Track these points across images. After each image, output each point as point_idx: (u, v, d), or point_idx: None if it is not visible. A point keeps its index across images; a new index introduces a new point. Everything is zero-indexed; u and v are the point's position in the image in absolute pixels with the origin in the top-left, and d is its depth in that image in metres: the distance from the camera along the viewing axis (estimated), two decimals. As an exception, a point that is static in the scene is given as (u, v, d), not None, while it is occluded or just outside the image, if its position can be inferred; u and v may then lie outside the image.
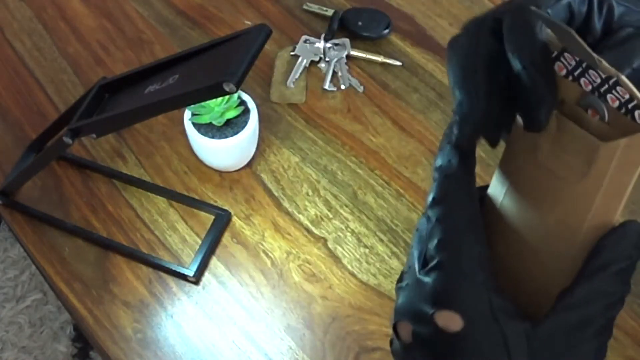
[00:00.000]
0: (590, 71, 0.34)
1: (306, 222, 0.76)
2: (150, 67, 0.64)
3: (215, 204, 0.76)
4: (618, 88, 0.34)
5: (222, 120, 0.74)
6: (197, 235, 0.75)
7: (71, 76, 0.86)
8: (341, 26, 0.91)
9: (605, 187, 0.36)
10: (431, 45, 0.91)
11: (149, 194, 0.77)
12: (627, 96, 0.33)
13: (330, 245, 0.74)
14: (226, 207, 0.76)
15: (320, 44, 0.89)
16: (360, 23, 0.91)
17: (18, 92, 0.85)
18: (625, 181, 0.36)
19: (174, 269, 0.72)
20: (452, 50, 0.36)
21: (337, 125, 0.83)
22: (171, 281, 0.72)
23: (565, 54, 0.34)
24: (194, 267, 0.71)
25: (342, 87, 0.87)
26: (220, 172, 0.79)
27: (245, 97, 0.76)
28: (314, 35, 0.90)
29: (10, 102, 0.84)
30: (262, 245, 0.74)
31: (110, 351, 0.68)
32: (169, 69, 0.62)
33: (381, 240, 0.75)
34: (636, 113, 0.34)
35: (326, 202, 0.77)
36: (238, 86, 0.52)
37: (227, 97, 0.72)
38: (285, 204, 0.77)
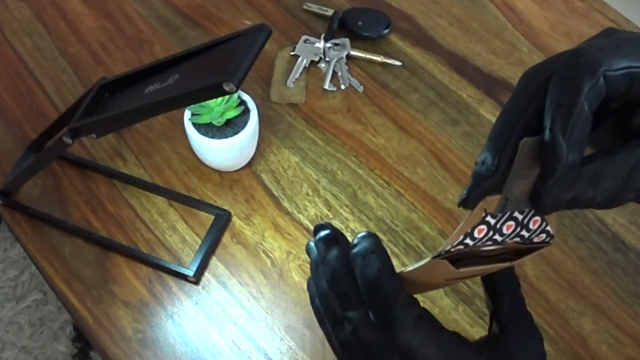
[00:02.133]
0: (496, 234, 0.40)
1: (306, 222, 0.76)
2: (150, 67, 0.64)
3: (215, 204, 0.76)
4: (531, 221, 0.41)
5: (222, 120, 0.74)
6: (197, 235, 0.75)
7: (71, 76, 0.86)
8: (341, 26, 0.91)
9: None
10: (431, 45, 0.91)
11: (149, 194, 0.77)
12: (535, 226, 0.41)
13: (330, 245, 0.74)
14: (226, 207, 0.76)
15: (320, 44, 0.89)
16: (360, 23, 0.91)
17: (18, 92, 0.85)
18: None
19: (174, 269, 0.72)
20: (506, 104, 0.37)
21: (337, 125, 0.83)
22: (171, 281, 0.72)
23: (487, 219, 0.39)
24: (194, 267, 0.71)
25: (342, 87, 0.87)
26: (220, 172, 0.79)
27: (245, 97, 0.76)
28: (314, 35, 0.90)
29: (10, 102, 0.84)
30: (262, 245, 0.74)
31: (110, 351, 0.68)
32: (169, 69, 0.62)
33: (381, 240, 0.75)
34: (535, 237, 0.41)
35: (326, 202, 0.77)
36: (238, 86, 0.52)
37: (227, 97, 0.72)
38: (285, 204, 0.77)
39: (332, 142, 0.82)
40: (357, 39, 0.90)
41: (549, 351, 0.69)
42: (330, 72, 0.87)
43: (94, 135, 0.64)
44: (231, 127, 0.74)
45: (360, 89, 0.87)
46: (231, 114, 0.74)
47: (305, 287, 0.72)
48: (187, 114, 0.74)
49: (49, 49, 0.89)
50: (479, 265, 0.42)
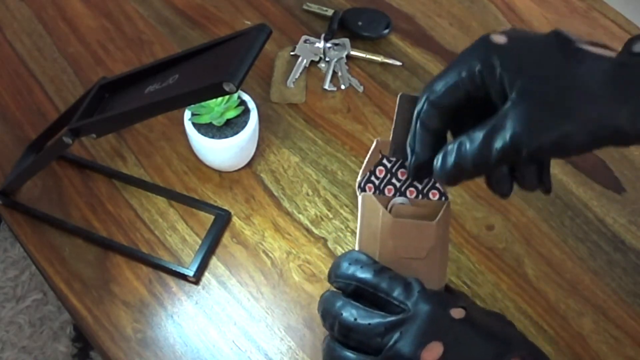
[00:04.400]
0: (394, 179, 0.51)
1: (306, 222, 0.76)
2: (150, 67, 0.64)
3: (215, 204, 0.76)
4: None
5: (222, 120, 0.74)
6: (197, 235, 0.75)
7: (71, 76, 0.86)
8: (341, 26, 0.91)
9: (441, 248, 0.51)
10: (431, 45, 0.91)
11: (149, 194, 0.77)
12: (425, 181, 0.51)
13: (330, 245, 0.74)
14: (226, 207, 0.76)
15: (320, 44, 0.89)
16: (360, 23, 0.91)
17: (18, 92, 0.85)
18: (446, 233, 0.52)
19: (174, 269, 0.72)
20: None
21: (337, 125, 0.83)
22: (171, 281, 0.72)
23: (383, 161, 0.51)
24: (194, 267, 0.71)
25: (342, 87, 0.87)
26: (220, 172, 0.79)
27: (245, 97, 0.76)
28: (314, 35, 0.90)
29: (10, 102, 0.84)
30: (262, 245, 0.74)
31: (110, 351, 0.68)
32: (169, 69, 0.62)
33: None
34: (430, 193, 0.51)
35: (326, 202, 0.77)
36: (238, 86, 0.52)
37: (227, 97, 0.73)
38: (285, 204, 0.77)
39: (332, 142, 0.82)
40: (357, 39, 0.90)
41: (549, 351, 0.69)
42: (330, 72, 0.87)
43: (94, 135, 0.64)
44: (231, 127, 0.74)
45: (360, 89, 0.87)
46: (231, 114, 0.74)
47: (304, 287, 0.72)
48: (187, 114, 0.74)
49: (49, 49, 0.89)
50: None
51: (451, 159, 0.45)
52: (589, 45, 0.45)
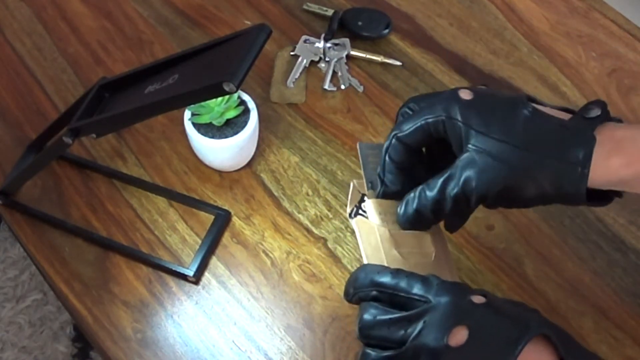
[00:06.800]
0: None
1: (306, 222, 0.76)
2: (150, 67, 0.64)
3: (215, 204, 0.76)
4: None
5: (222, 120, 0.74)
6: (197, 235, 0.75)
7: (71, 76, 0.86)
8: (341, 26, 0.91)
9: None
10: (431, 45, 0.91)
11: (149, 194, 0.77)
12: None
13: (330, 245, 0.74)
14: (226, 207, 0.76)
15: (320, 44, 0.89)
16: (360, 23, 0.91)
17: (18, 92, 0.85)
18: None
19: (174, 269, 0.72)
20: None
21: (337, 125, 0.83)
22: (171, 281, 0.72)
23: (365, 198, 0.56)
24: (194, 267, 0.71)
25: (342, 87, 0.87)
26: (220, 172, 0.79)
27: (245, 97, 0.76)
28: (314, 35, 0.90)
29: (10, 102, 0.84)
30: (262, 245, 0.74)
31: (110, 351, 0.68)
32: (169, 69, 0.62)
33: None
34: None
35: (326, 202, 0.77)
36: (238, 86, 0.52)
37: (227, 97, 0.73)
38: (285, 204, 0.77)
39: (332, 142, 0.82)
40: (357, 39, 0.90)
41: (549, 351, 0.69)
42: (330, 72, 0.87)
43: (94, 135, 0.64)
44: (231, 127, 0.74)
45: (360, 89, 0.87)
46: (231, 114, 0.74)
47: (304, 287, 0.72)
48: (187, 114, 0.74)
49: (49, 49, 0.89)
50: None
51: (412, 207, 0.52)
52: (549, 108, 0.52)
